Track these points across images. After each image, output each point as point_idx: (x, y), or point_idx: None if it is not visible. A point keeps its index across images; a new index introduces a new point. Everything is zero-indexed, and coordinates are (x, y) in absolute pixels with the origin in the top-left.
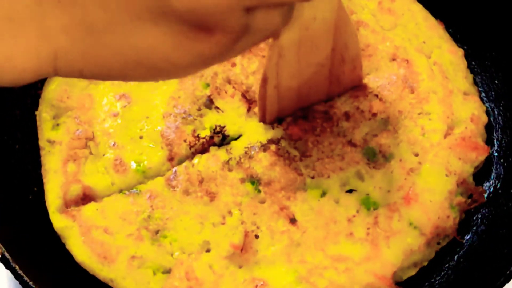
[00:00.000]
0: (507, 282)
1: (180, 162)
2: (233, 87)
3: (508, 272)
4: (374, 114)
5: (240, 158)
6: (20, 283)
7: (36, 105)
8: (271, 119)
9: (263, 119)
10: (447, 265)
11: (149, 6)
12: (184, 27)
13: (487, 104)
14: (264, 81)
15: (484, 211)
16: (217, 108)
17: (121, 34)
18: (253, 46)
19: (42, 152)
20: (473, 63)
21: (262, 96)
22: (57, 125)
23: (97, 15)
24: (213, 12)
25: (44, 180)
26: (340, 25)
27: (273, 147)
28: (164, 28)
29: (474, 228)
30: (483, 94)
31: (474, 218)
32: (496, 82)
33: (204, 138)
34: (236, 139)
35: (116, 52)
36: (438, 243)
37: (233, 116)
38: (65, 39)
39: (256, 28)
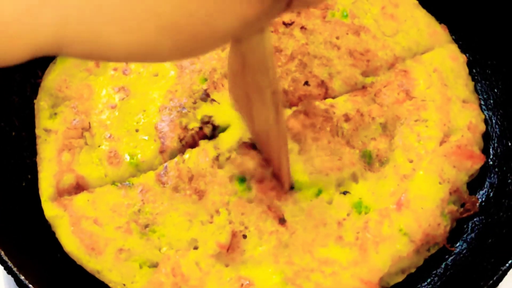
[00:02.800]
0: None
1: (171, 155)
2: None
3: (491, 281)
4: (373, 118)
5: (231, 154)
6: (4, 269)
7: (35, 94)
8: None
9: None
10: (434, 271)
11: None
12: None
13: (485, 112)
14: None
15: (475, 219)
16: (212, 100)
17: None
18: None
19: (38, 141)
20: (474, 70)
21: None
22: (55, 114)
23: None
24: None
25: (39, 168)
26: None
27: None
28: None
29: (464, 236)
30: (482, 102)
31: (465, 226)
32: (496, 90)
33: (192, 129)
34: (224, 130)
35: (148, 15)
36: (428, 251)
37: (227, 107)
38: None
39: None
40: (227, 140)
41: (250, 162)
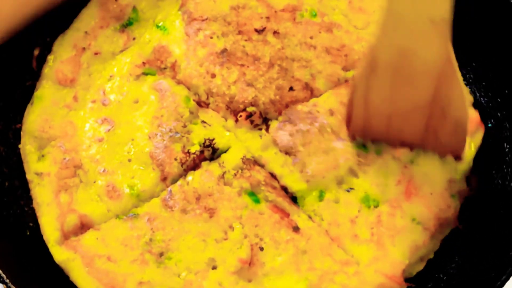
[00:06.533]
0: None
1: (174, 181)
2: (215, 99)
3: None
4: None
5: (238, 170)
6: None
7: (18, 139)
8: (354, 130)
9: (347, 124)
10: (455, 249)
11: None
12: None
13: (468, 87)
14: (353, 86)
15: (481, 193)
16: (203, 122)
17: None
18: None
19: (31, 186)
20: None
21: (350, 101)
22: (42, 156)
23: None
24: None
25: (38, 214)
26: (445, 79)
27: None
28: None
29: (474, 211)
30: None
31: (473, 201)
32: (474, 64)
33: (194, 153)
34: (225, 151)
35: None
36: (441, 234)
37: (220, 128)
38: None
39: None
40: (232, 159)
41: (258, 175)
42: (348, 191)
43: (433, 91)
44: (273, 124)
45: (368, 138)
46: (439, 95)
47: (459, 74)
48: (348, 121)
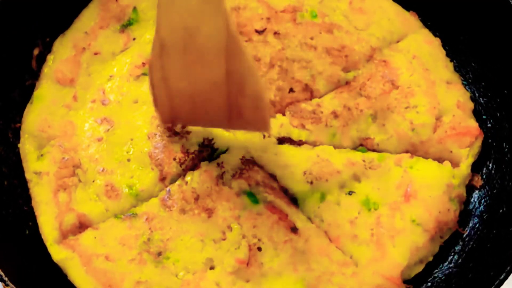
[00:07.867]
0: None
1: (172, 181)
2: None
3: None
4: (362, 111)
5: (237, 171)
6: None
7: (17, 139)
8: (162, 112)
9: (155, 106)
10: (453, 250)
11: None
12: None
13: (467, 88)
14: (150, 66)
15: (480, 192)
16: None
17: None
18: None
19: (30, 185)
20: (446, 48)
21: (151, 83)
22: (41, 155)
23: None
24: None
25: (37, 213)
26: (233, 55)
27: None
28: None
29: (473, 211)
30: (462, 78)
31: (472, 201)
32: (473, 64)
33: (193, 153)
34: (224, 151)
35: None
36: (441, 237)
37: (218, 129)
38: None
39: None
40: (231, 159)
41: (257, 176)
42: (350, 194)
43: (225, 68)
44: (274, 122)
45: (178, 121)
46: (231, 71)
47: (245, 50)
48: (155, 102)
